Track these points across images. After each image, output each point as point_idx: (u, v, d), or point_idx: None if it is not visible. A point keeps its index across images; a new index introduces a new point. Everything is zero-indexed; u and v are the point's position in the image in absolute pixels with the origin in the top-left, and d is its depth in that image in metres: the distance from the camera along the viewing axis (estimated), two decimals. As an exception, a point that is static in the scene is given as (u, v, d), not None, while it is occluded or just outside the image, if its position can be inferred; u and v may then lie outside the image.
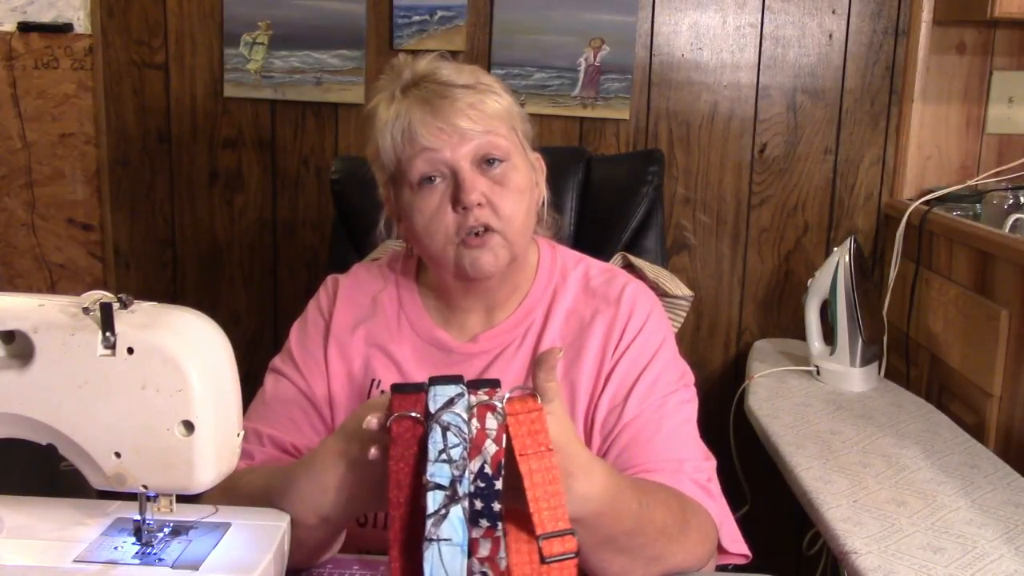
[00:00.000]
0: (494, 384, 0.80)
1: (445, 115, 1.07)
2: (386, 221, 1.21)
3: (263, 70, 2.22)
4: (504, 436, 0.77)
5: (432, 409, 0.78)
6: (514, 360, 1.16)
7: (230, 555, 0.86)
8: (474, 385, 0.80)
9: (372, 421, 0.82)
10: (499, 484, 0.76)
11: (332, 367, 1.17)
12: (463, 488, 0.76)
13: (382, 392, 1.16)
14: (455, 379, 0.80)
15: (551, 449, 0.77)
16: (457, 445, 0.77)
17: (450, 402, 0.78)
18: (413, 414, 0.80)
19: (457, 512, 0.75)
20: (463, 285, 1.15)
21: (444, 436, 0.77)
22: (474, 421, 0.78)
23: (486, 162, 1.09)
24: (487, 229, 1.09)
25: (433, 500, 0.76)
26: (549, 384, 0.81)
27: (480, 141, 1.08)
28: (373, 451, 0.82)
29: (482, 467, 0.77)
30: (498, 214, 1.09)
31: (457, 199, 1.08)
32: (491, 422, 0.78)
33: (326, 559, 0.99)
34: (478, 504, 0.76)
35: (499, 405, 0.78)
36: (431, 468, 0.77)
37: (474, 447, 0.77)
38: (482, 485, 0.76)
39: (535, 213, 1.17)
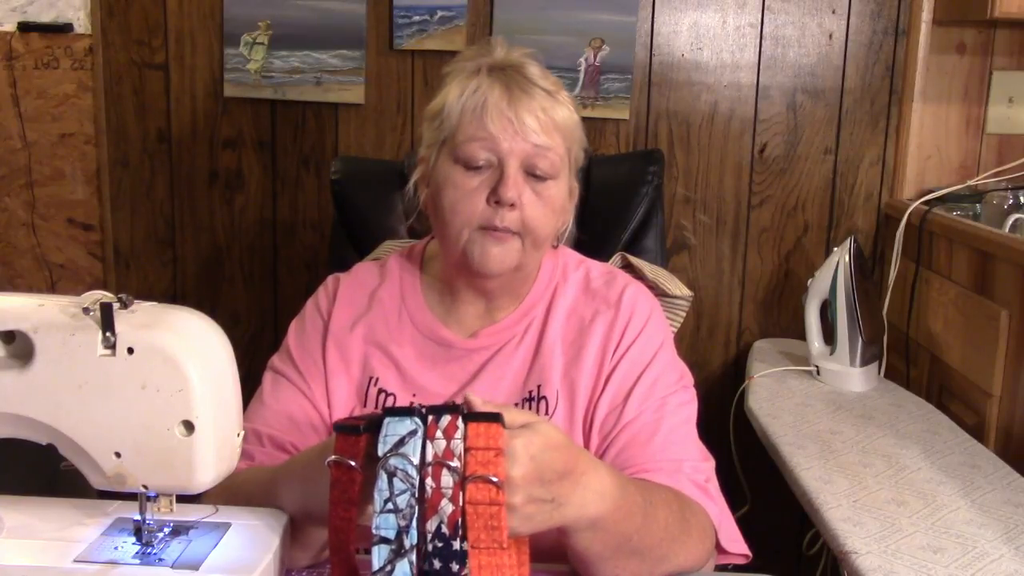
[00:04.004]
0: (455, 410, 0.76)
1: (517, 108, 1.08)
2: (415, 184, 1.20)
3: (263, 70, 2.22)
4: (460, 495, 0.74)
5: (380, 451, 0.75)
6: (514, 356, 1.16)
7: (230, 555, 0.86)
8: (435, 411, 0.76)
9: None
10: (457, 544, 0.73)
11: (330, 366, 1.17)
12: (410, 539, 0.73)
13: (379, 391, 1.16)
14: (410, 411, 0.76)
15: (504, 548, 0.74)
16: (404, 492, 0.73)
17: (400, 442, 0.74)
18: (351, 462, 0.77)
19: (403, 567, 0.73)
20: (466, 276, 1.15)
21: (390, 483, 0.74)
22: (428, 480, 0.74)
23: (533, 174, 1.10)
24: (509, 230, 1.09)
25: (378, 555, 0.73)
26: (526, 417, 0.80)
27: (537, 146, 1.09)
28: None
29: (439, 527, 0.73)
30: (525, 221, 1.10)
31: (494, 191, 1.08)
32: (446, 480, 0.74)
33: (325, 559, 0.99)
34: (436, 564, 0.73)
35: (454, 464, 0.74)
36: (376, 520, 0.74)
37: (430, 507, 0.73)
38: (440, 545, 0.73)
39: (556, 235, 1.18)
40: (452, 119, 1.11)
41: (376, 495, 0.74)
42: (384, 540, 0.73)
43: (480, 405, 0.81)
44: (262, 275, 2.33)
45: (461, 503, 0.74)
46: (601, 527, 0.86)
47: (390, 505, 0.73)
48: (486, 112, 1.08)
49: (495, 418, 0.76)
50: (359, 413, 1.16)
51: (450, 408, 0.76)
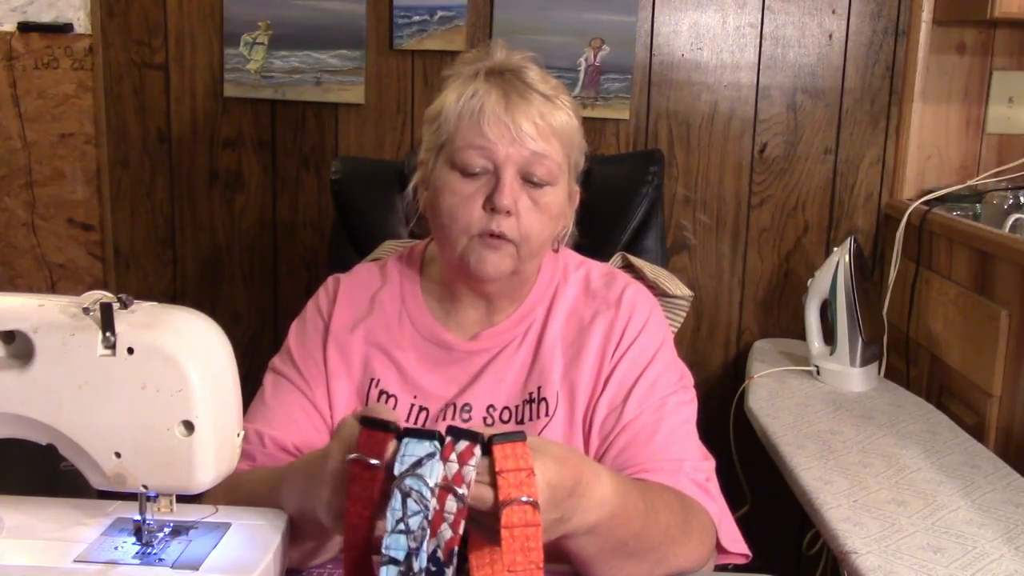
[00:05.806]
0: (475, 437, 0.74)
1: (514, 113, 1.08)
2: (415, 187, 1.20)
3: (263, 70, 2.22)
4: (462, 523, 0.73)
5: (397, 470, 0.74)
6: (514, 358, 1.16)
7: (230, 555, 0.86)
8: (455, 434, 0.75)
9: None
10: (450, 572, 0.72)
11: (331, 367, 1.17)
12: (419, 562, 0.72)
13: (380, 392, 1.16)
14: (430, 434, 0.75)
15: (540, 568, 0.73)
16: (417, 514, 0.72)
17: (418, 463, 0.73)
18: (373, 461, 0.76)
19: None
20: (465, 280, 1.16)
21: (404, 504, 0.73)
22: (433, 500, 0.73)
23: (530, 181, 1.10)
24: (504, 237, 1.09)
25: (386, 575, 0.73)
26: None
27: (535, 152, 1.09)
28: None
29: (435, 551, 0.72)
30: (520, 228, 1.10)
31: (490, 198, 1.08)
32: (451, 505, 0.72)
33: (326, 559, 0.99)
34: None
35: (461, 491, 0.73)
36: (387, 539, 0.73)
37: (430, 528, 0.73)
38: (433, 569, 0.72)
39: (553, 239, 1.18)
40: (450, 124, 1.11)
41: (389, 515, 0.73)
42: (393, 561, 0.73)
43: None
44: (262, 275, 2.33)
45: (462, 531, 0.73)
46: (597, 532, 0.86)
47: (401, 526, 0.73)
48: (483, 118, 1.08)
49: (519, 437, 0.75)
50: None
51: (470, 434, 0.75)
